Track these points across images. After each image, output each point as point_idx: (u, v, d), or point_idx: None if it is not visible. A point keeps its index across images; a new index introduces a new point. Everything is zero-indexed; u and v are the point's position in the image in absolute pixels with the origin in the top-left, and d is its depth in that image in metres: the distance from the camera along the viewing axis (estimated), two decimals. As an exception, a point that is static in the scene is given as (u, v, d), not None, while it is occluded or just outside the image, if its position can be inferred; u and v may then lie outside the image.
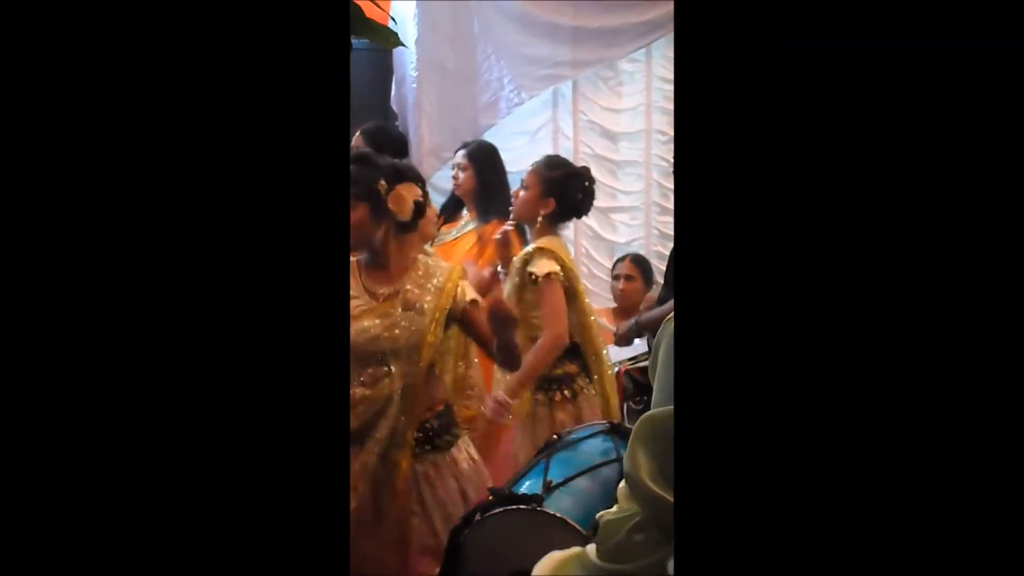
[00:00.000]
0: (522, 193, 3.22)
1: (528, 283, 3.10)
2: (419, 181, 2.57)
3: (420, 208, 2.55)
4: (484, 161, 3.90)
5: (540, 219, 3.17)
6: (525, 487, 2.41)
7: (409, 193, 2.51)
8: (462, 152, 3.98)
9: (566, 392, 3.18)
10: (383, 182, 2.51)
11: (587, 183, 3.24)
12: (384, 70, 4.80)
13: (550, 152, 5.01)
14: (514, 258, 3.23)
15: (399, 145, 4.51)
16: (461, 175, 3.94)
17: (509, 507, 2.26)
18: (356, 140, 4.34)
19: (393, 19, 3.28)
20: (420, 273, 2.56)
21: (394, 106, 4.78)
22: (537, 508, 2.25)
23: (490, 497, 2.38)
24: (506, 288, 3.16)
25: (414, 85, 4.61)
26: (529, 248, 3.15)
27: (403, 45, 1.80)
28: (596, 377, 3.18)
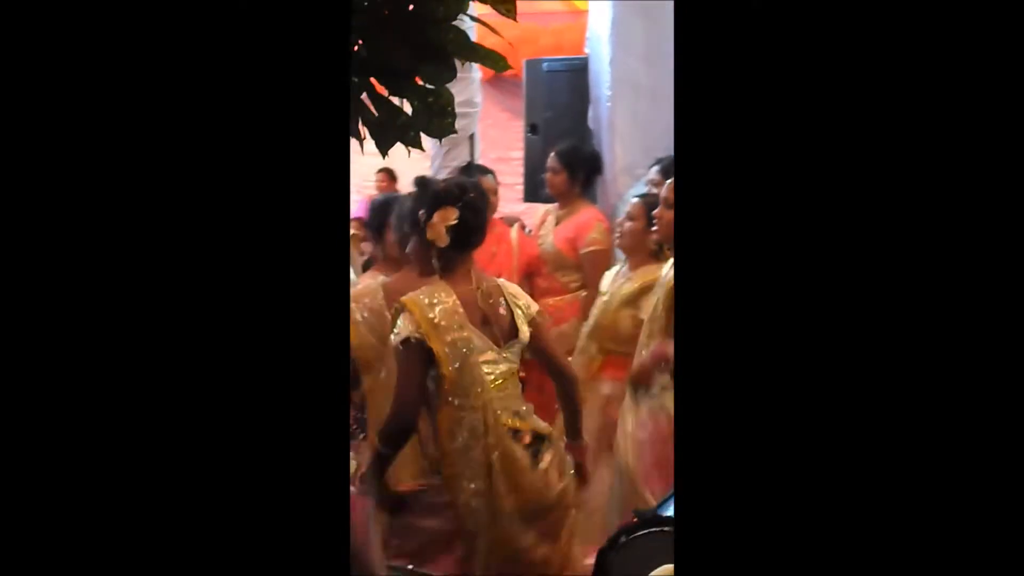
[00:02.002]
0: (628, 224, 3.24)
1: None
2: (457, 201, 2.63)
3: (462, 226, 2.62)
4: (678, 177, 3.92)
5: (651, 249, 3.25)
6: (671, 509, 2.44)
7: (442, 219, 2.59)
8: (656, 168, 4.02)
9: None
10: (422, 212, 2.65)
11: None
12: (580, 91, 4.91)
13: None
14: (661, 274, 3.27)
15: (594, 163, 4.62)
16: (655, 191, 3.99)
17: (654, 529, 2.30)
18: (552, 160, 4.49)
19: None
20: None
21: (591, 125, 4.87)
22: (680, 531, 2.28)
23: (635, 520, 2.44)
24: (653, 304, 3.19)
25: (608, 104, 4.68)
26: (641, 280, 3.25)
27: (510, 68, 1.85)
28: None
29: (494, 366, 2.70)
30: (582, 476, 2.92)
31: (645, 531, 2.32)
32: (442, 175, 5.05)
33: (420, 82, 1.73)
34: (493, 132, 8.44)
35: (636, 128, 4.66)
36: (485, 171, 4.58)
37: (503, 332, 2.75)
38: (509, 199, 6.44)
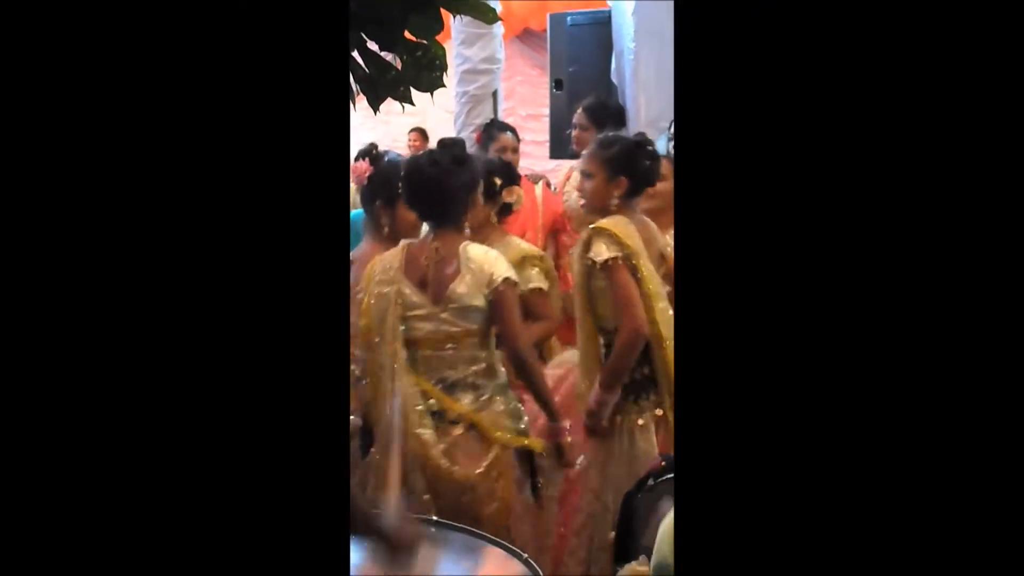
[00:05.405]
0: (587, 183, 3.02)
1: (593, 270, 2.90)
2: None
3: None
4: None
5: (616, 202, 2.97)
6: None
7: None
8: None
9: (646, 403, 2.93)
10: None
11: (650, 148, 3.05)
12: (604, 45, 4.85)
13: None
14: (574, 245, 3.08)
15: (618, 118, 4.57)
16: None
17: (681, 473, 2.32)
18: (578, 117, 4.45)
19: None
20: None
21: (614, 79, 4.82)
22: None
23: (662, 463, 2.45)
24: (572, 275, 3.08)
25: (631, 57, 4.62)
26: (587, 232, 2.95)
27: (499, 19, 1.82)
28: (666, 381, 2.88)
29: (424, 322, 2.73)
30: (565, 460, 2.83)
31: (672, 474, 2.34)
32: (465, 133, 5.04)
33: (409, 36, 1.72)
34: (523, 89, 8.39)
35: (661, 79, 4.59)
36: (505, 128, 4.56)
37: (437, 292, 2.72)
38: (541, 156, 6.42)
